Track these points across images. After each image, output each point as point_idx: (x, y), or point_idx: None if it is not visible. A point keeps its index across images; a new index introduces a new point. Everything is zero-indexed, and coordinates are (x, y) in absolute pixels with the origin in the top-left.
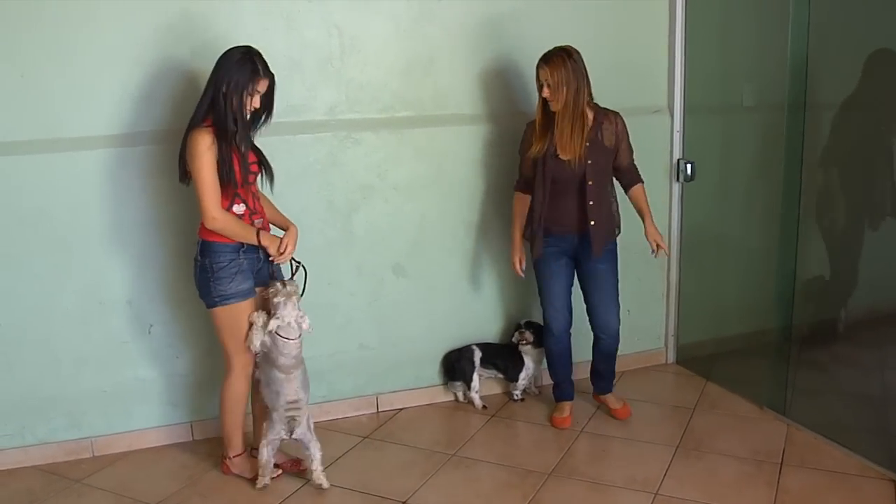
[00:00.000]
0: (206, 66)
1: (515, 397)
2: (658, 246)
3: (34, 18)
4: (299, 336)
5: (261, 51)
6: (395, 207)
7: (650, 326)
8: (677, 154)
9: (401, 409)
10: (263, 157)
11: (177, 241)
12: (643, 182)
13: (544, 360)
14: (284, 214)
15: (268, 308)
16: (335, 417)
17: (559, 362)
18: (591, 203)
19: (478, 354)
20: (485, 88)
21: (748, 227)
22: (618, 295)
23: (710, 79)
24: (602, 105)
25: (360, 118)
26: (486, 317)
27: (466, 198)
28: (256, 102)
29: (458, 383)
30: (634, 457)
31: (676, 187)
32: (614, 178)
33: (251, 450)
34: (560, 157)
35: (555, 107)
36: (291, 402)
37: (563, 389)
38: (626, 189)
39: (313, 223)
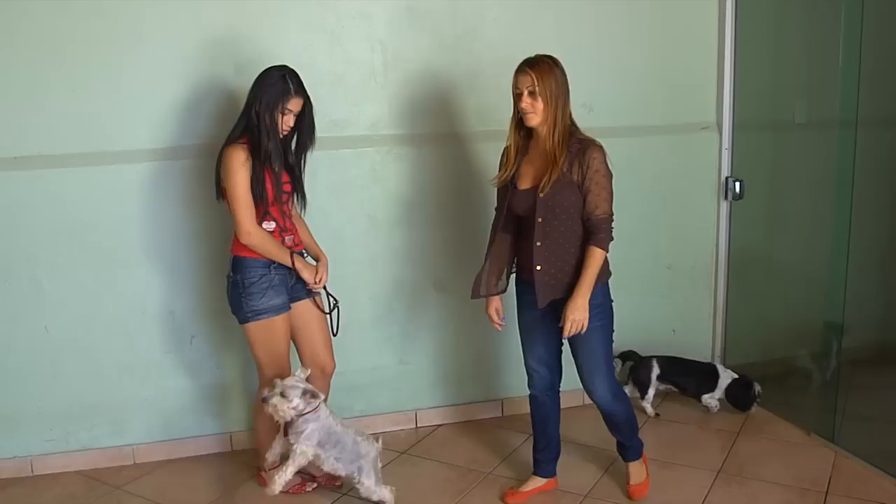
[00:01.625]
0: (250, 83)
1: (712, 409)
2: (564, 323)
3: (85, 35)
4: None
5: (304, 66)
6: (438, 222)
7: (696, 347)
8: (726, 172)
9: (439, 426)
10: (299, 178)
11: (220, 253)
12: (605, 251)
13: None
14: (317, 243)
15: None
16: (373, 432)
17: (538, 426)
18: (538, 244)
19: (655, 371)
20: None
21: (798, 248)
22: (607, 357)
23: (760, 95)
24: (646, 124)
25: (403, 133)
26: None
27: None
28: (290, 121)
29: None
30: (674, 481)
31: (725, 206)
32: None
33: (258, 470)
34: (519, 186)
35: (533, 121)
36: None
37: (538, 463)
38: (587, 245)
39: (355, 237)
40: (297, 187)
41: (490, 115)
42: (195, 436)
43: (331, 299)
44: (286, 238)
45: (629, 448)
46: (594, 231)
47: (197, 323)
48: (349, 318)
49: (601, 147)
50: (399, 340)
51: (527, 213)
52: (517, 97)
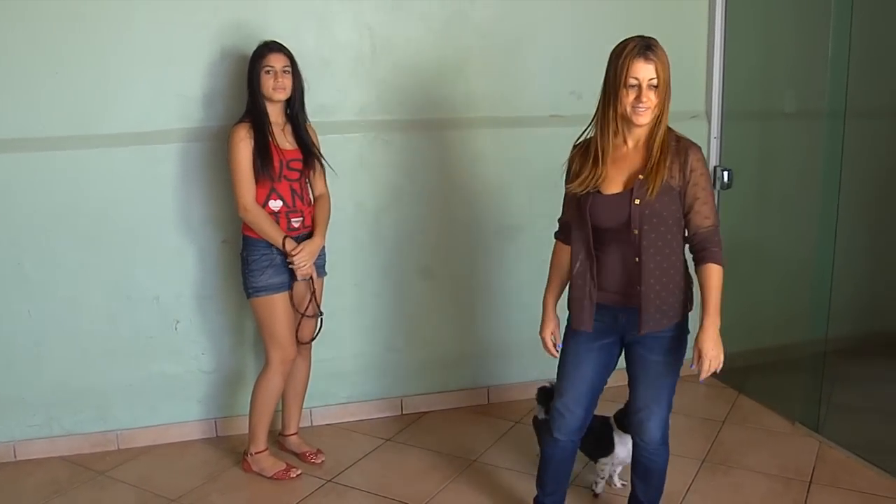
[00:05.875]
0: (237, 66)
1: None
2: (700, 362)
3: (70, 17)
4: None
5: (291, 50)
6: (424, 209)
7: None
8: (714, 161)
9: (425, 413)
10: (311, 151)
11: (204, 238)
12: (721, 265)
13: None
14: (324, 224)
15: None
16: (359, 419)
17: (552, 471)
18: (637, 259)
19: None
20: (517, 91)
21: (785, 237)
22: (670, 396)
23: (749, 84)
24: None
25: (391, 119)
26: (517, 321)
27: (497, 200)
28: (282, 82)
29: None
30: None
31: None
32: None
33: (279, 436)
34: (603, 190)
35: (646, 118)
36: None
37: None
38: (697, 264)
39: (342, 223)
40: (310, 164)
41: (478, 101)
42: (180, 421)
43: (319, 313)
44: (293, 220)
45: None
46: (705, 245)
47: (181, 308)
48: (336, 304)
49: (700, 147)
50: (385, 327)
51: (611, 223)
52: (631, 89)
